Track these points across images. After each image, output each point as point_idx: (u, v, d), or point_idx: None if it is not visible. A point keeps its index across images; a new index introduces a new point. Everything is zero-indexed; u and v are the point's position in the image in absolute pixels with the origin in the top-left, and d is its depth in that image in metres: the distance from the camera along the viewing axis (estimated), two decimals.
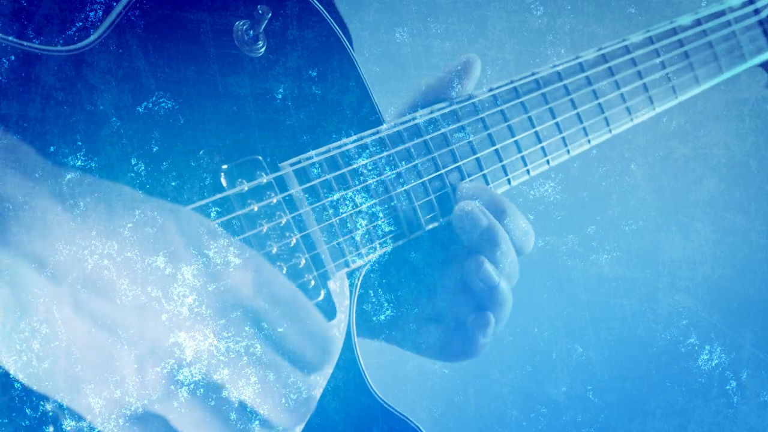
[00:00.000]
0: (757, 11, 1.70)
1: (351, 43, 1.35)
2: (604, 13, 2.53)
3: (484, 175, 1.42)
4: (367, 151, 1.31)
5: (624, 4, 2.51)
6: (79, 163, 1.11)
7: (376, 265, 1.36)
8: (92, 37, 1.14)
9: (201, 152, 1.19)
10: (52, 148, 1.09)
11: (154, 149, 1.16)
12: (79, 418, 1.02)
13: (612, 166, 2.62)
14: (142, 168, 1.15)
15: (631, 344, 2.62)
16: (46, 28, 1.16)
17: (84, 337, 0.98)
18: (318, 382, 1.21)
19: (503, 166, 1.44)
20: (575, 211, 2.63)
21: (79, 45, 1.13)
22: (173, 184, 1.16)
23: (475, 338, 1.37)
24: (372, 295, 1.38)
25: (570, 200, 2.61)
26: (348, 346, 1.26)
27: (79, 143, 1.11)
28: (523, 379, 2.64)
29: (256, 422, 1.03)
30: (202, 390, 1.01)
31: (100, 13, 1.18)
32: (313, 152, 1.27)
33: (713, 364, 2.49)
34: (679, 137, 2.61)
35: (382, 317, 1.39)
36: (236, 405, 1.03)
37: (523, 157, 1.45)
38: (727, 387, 2.52)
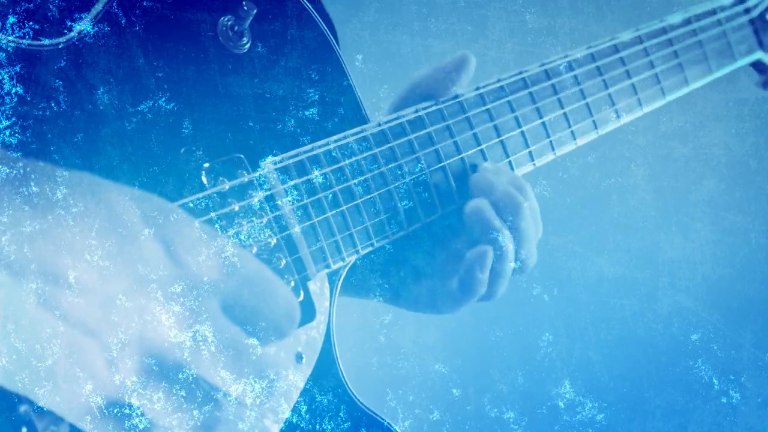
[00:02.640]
0: (747, 10, 1.67)
1: (337, 41, 1.34)
2: (604, 13, 2.53)
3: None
4: (351, 150, 1.29)
5: (624, 4, 2.51)
6: (57, 156, 1.10)
7: (359, 261, 1.36)
8: (73, 32, 1.14)
9: (182, 150, 1.18)
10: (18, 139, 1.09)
11: (133, 146, 1.15)
12: (53, 417, 1.01)
13: (612, 166, 2.62)
14: (119, 164, 1.13)
15: (631, 344, 2.61)
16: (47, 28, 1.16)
17: (54, 332, 0.98)
18: (284, 365, 1.21)
19: None
20: (575, 211, 2.62)
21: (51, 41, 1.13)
22: (152, 182, 1.14)
23: (472, 271, 1.33)
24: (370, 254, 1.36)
25: (570, 200, 2.61)
26: (327, 348, 1.25)
27: (50, 137, 1.11)
28: (523, 379, 2.63)
29: (231, 407, 1.04)
30: (179, 379, 1.02)
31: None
32: (295, 151, 1.26)
33: (713, 364, 2.49)
34: (679, 137, 2.60)
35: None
36: (211, 392, 1.04)
37: (509, 158, 1.43)
38: (727, 387, 2.52)
